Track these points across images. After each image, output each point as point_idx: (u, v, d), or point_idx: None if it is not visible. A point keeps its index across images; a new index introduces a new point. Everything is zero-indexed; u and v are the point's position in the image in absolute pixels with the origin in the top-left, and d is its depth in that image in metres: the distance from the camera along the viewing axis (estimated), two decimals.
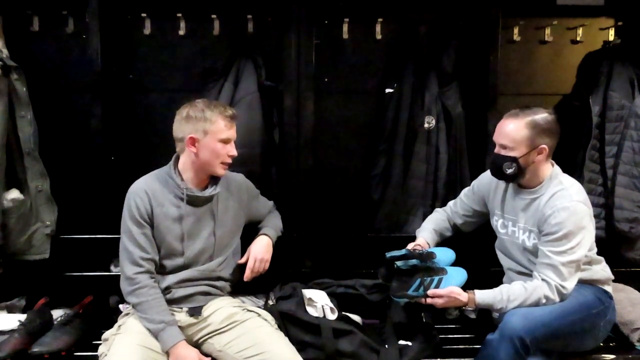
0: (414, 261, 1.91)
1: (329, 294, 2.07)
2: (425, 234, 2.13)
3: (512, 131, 1.86)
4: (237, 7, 2.46)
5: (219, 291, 1.95)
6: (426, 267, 1.90)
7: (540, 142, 1.85)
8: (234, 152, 1.89)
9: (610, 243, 2.34)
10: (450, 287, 1.86)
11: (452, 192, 2.39)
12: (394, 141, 2.47)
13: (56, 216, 2.26)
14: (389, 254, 1.94)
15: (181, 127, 1.85)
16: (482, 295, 1.85)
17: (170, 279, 1.87)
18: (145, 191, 1.85)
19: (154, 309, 1.78)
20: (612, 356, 1.98)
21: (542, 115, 1.86)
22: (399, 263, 1.90)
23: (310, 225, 2.37)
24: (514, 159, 1.85)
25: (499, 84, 2.41)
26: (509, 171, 1.87)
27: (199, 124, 1.82)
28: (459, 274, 1.92)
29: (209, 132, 1.83)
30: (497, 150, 1.92)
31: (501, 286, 1.88)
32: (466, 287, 1.89)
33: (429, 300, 1.87)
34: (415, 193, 2.44)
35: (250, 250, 1.99)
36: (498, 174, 1.93)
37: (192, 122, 1.83)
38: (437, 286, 1.87)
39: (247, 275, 1.96)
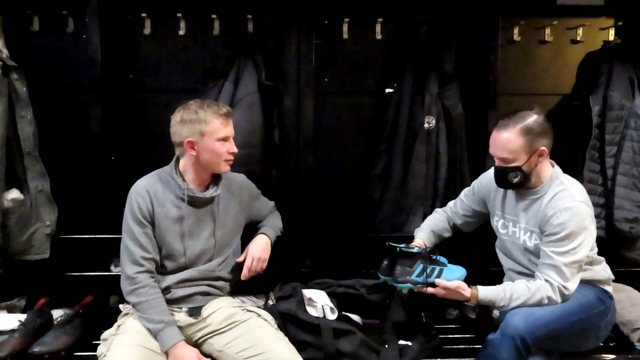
0: (416, 249, 1.93)
1: (329, 294, 2.07)
2: (423, 235, 2.13)
3: (508, 142, 1.84)
4: (237, 7, 2.46)
5: (218, 291, 1.95)
6: (428, 256, 1.91)
7: (538, 145, 1.84)
8: (234, 149, 1.89)
9: (610, 243, 2.34)
10: (457, 281, 1.86)
11: (452, 192, 2.39)
12: (394, 141, 2.47)
13: (56, 216, 2.26)
14: (389, 243, 1.94)
15: (177, 132, 1.84)
16: (485, 292, 1.85)
17: (170, 279, 1.87)
18: (147, 190, 1.85)
19: (154, 309, 1.77)
20: (612, 356, 1.98)
21: (533, 119, 1.84)
22: (402, 246, 1.90)
23: (310, 225, 2.36)
24: (517, 168, 1.84)
25: (499, 84, 2.41)
26: (515, 180, 1.86)
27: (194, 127, 1.81)
28: (459, 269, 1.93)
29: (205, 133, 1.82)
30: (497, 163, 1.90)
31: (504, 284, 1.89)
32: (467, 284, 1.89)
33: (432, 290, 1.87)
34: (415, 193, 2.44)
35: (248, 249, 1.98)
36: (505, 184, 1.92)
37: (187, 125, 1.82)
38: (438, 276, 1.88)
39: (245, 273, 1.95)
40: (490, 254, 2.11)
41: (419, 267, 1.88)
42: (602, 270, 1.96)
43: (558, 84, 2.65)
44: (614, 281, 2.00)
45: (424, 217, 2.29)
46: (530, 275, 1.90)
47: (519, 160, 1.84)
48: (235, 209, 1.99)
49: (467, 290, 1.85)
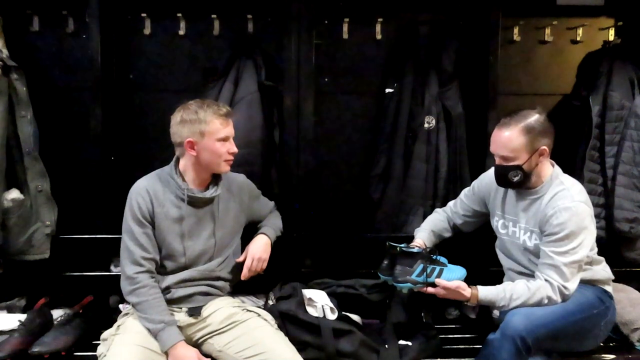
0: (416, 249, 1.93)
1: (329, 294, 2.07)
2: (423, 234, 2.13)
3: (509, 141, 1.84)
4: (237, 7, 2.46)
5: (218, 291, 1.95)
6: (428, 256, 1.92)
7: (539, 144, 1.84)
8: (234, 149, 1.89)
9: (610, 243, 2.34)
10: (457, 281, 1.86)
11: (452, 192, 2.39)
12: (394, 141, 2.47)
13: (56, 216, 2.25)
14: (389, 243, 1.94)
15: (177, 132, 1.84)
16: (485, 292, 1.85)
17: (170, 279, 1.87)
18: (147, 190, 1.85)
19: (154, 309, 1.78)
20: (612, 356, 1.98)
21: (534, 118, 1.85)
22: (402, 246, 1.91)
23: (310, 225, 2.37)
24: (518, 167, 1.85)
25: (499, 84, 2.41)
26: (516, 179, 1.87)
27: (194, 127, 1.81)
28: (459, 269, 1.93)
29: (205, 133, 1.82)
30: (498, 162, 1.90)
31: (504, 284, 1.89)
32: (467, 284, 1.89)
33: (432, 290, 1.88)
34: (415, 193, 2.44)
35: (248, 250, 1.98)
36: (505, 183, 1.92)
37: (187, 125, 1.82)
38: (438, 276, 1.88)
39: (245, 274, 1.96)
40: (490, 254, 2.11)
41: (419, 267, 1.88)
42: (602, 270, 1.96)
43: (558, 84, 2.64)
44: (614, 281, 2.00)
45: (424, 217, 2.29)
46: (530, 275, 1.90)
47: (519, 159, 1.84)
48: (235, 209, 1.99)
49: (467, 290, 1.85)
